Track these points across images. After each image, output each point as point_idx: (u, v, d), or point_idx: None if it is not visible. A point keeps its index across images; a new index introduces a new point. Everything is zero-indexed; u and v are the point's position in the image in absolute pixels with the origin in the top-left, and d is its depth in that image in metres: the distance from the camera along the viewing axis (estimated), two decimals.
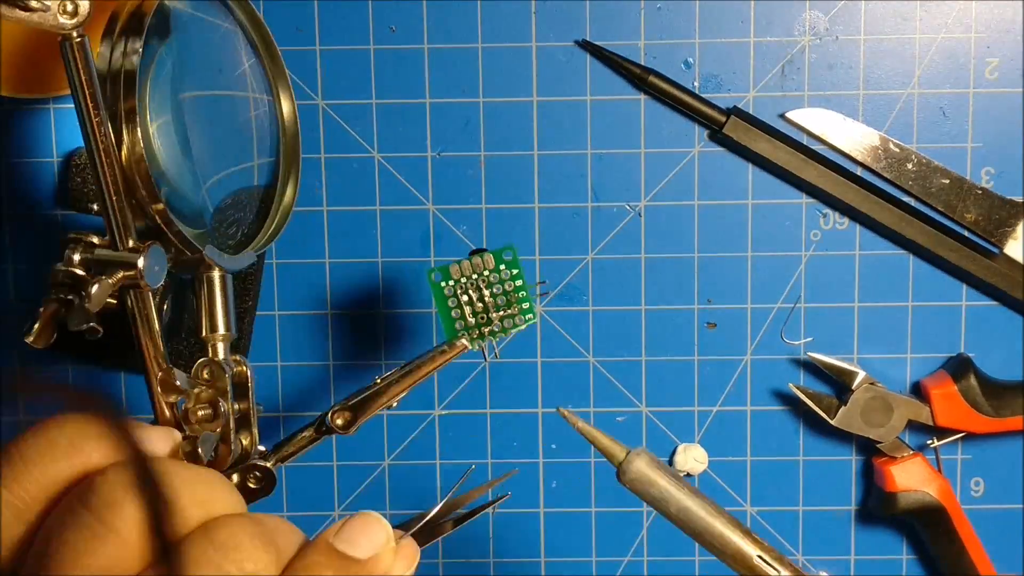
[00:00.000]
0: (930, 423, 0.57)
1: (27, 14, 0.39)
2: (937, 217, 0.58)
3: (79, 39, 0.40)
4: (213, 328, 0.46)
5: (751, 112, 0.58)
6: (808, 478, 0.60)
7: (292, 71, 0.58)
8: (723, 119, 0.57)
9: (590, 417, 0.60)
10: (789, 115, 0.58)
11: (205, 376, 0.44)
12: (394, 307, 0.60)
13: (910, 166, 0.58)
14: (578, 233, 0.59)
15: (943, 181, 0.58)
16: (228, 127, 0.50)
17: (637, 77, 0.57)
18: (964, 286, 0.59)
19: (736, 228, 0.59)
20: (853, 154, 0.58)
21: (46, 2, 0.39)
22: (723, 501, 0.60)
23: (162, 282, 0.43)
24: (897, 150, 0.58)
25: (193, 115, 0.47)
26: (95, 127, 0.41)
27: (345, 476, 0.61)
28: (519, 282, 0.45)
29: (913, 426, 0.58)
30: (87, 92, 0.41)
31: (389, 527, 0.39)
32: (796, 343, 0.59)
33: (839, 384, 0.58)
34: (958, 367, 0.57)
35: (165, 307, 0.54)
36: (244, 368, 0.46)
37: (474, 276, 0.45)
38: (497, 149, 0.59)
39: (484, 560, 0.61)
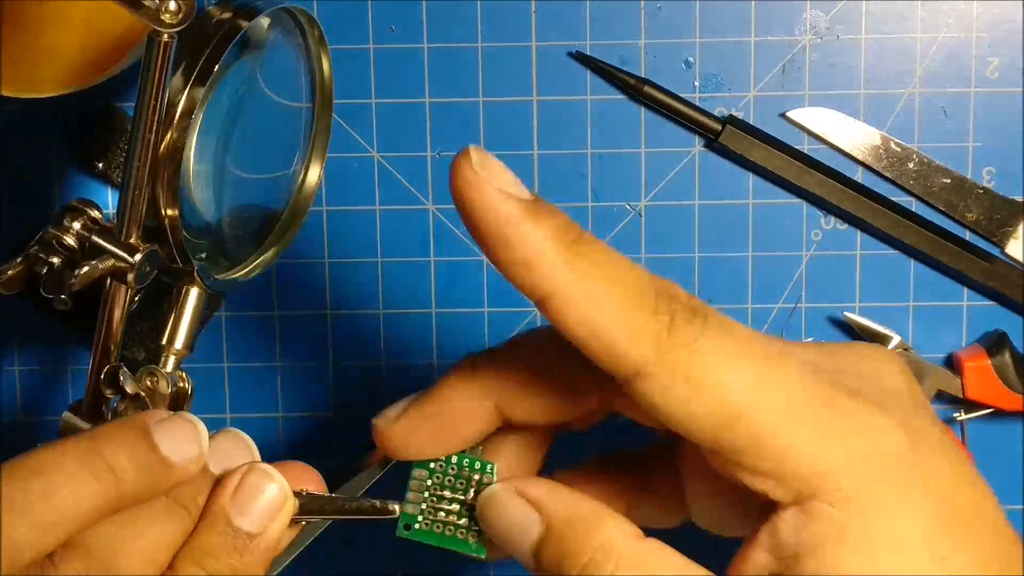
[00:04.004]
0: (960, 395, 0.57)
1: (134, 8, 0.39)
2: (938, 217, 0.58)
3: (168, 40, 0.40)
4: (172, 340, 0.45)
5: (752, 111, 0.58)
6: None
7: None
8: (719, 128, 0.57)
9: None
10: (790, 114, 0.58)
11: (147, 384, 0.44)
12: (394, 307, 0.60)
13: (911, 165, 0.58)
14: None
15: (944, 180, 0.58)
16: (257, 164, 0.50)
17: (632, 88, 0.57)
18: (964, 288, 0.59)
19: (736, 228, 0.59)
20: (854, 153, 0.58)
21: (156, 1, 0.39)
22: None
23: (148, 282, 0.43)
24: (898, 149, 0.58)
25: (232, 139, 0.47)
26: (147, 125, 0.41)
27: None
28: None
29: (943, 397, 0.58)
30: (155, 91, 0.41)
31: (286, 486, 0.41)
32: None
33: None
34: (994, 342, 0.57)
35: (137, 298, 0.53)
36: (186, 386, 0.45)
37: (452, 476, 0.42)
38: (497, 149, 0.59)
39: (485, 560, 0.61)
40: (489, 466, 0.41)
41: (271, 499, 0.40)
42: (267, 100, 0.49)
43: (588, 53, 0.58)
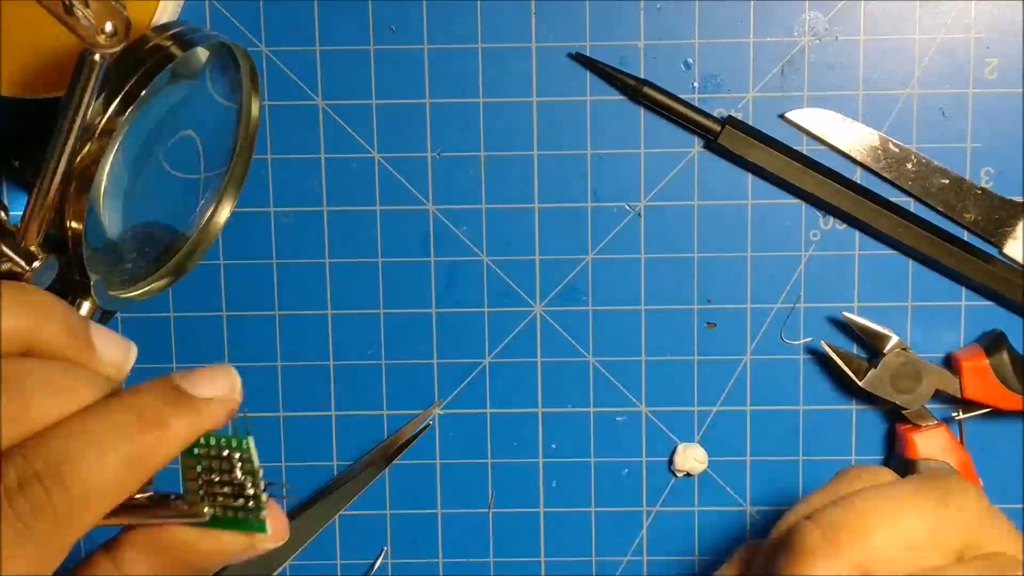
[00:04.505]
0: (958, 395, 0.58)
1: (72, 19, 0.39)
2: (936, 217, 0.58)
3: (100, 61, 0.40)
4: None
5: (751, 112, 0.58)
6: (808, 477, 0.60)
7: (292, 71, 0.58)
8: (718, 128, 0.57)
9: (590, 417, 0.60)
10: (788, 115, 0.58)
11: None
12: (394, 307, 0.60)
13: (909, 166, 0.58)
14: (578, 233, 0.59)
15: (942, 181, 0.58)
16: (171, 189, 0.50)
17: (632, 89, 0.57)
18: (963, 288, 0.59)
19: (736, 228, 0.59)
20: (852, 154, 0.58)
21: (90, 19, 0.39)
22: (723, 501, 0.60)
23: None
24: (896, 150, 0.58)
25: (149, 160, 0.47)
26: (66, 138, 0.41)
27: None
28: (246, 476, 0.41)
29: (940, 397, 0.58)
30: (80, 106, 0.41)
31: (238, 382, 0.38)
32: (796, 343, 0.59)
33: (870, 348, 0.58)
34: (992, 342, 0.57)
35: None
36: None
37: (214, 459, 0.41)
38: (497, 149, 0.59)
39: (484, 560, 0.61)
40: (244, 441, 0.39)
41: (220, 379, 0.39)
42: (191, 131, 0.49)
43: (588, 54, 0.58)
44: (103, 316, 0.57)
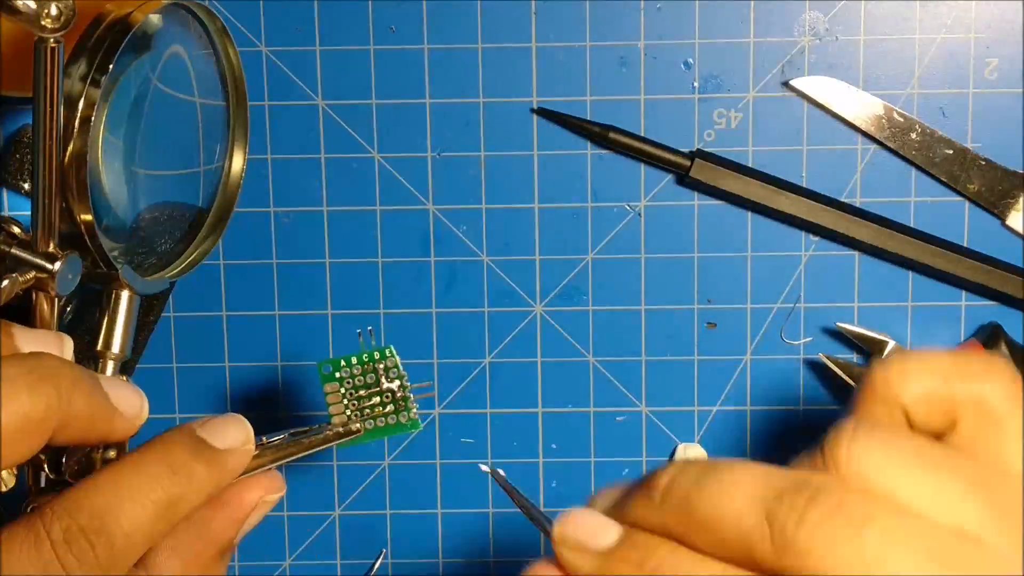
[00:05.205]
0: None
1: (12, 14, 0.39)
2: (939, 188, 0.58)
3: (55, 45, 0.40)
4: (108, 345, 0.46)
5: (751, 112, 0.58)
6: None
7: (292, 71, 0.58)
8: (688, 163, 0.57)
9: (590, 417, 0.60)
10: (793, 83, 0.57)
11: None
12: (394, 307, 0.60)
13: (913, 136, 0.57)
14: (578, 233, 0.59)
15: (946, 151, 0.58)
16: (177, 162, 0.50)
17: (597, 136, 0.57)
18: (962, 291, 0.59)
19: (736, 228, 0.59)
20: (857, 123, 0.57)
21: (30, 4, 0.39)
22: None
23: (72, 290, 0.43)
24: (901, 120, 0.57)
25: (146, 138, 0.47)
26: (47, 132, 0.41)
27: (345, 477, 0.61)
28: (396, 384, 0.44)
29: None
30: (49, 97, 0.40)
31: (251, 431, 0.41)
32: (796, 343, 0.59)
33: (869, 355, 0.58)
34: (989, 335, 0.57)
35: (69, 308, 0.53)
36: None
37: (360, 375, 0.44)
38: (497, 149, 0.59)
39: (484, 560, 0.61)
40: (387, 350, 0.43)
41: (235, 430, 0.41)
42: (176, 98, 0.49)
43: (588, 54, 0.58)
44: (153, 302, 0.57)
